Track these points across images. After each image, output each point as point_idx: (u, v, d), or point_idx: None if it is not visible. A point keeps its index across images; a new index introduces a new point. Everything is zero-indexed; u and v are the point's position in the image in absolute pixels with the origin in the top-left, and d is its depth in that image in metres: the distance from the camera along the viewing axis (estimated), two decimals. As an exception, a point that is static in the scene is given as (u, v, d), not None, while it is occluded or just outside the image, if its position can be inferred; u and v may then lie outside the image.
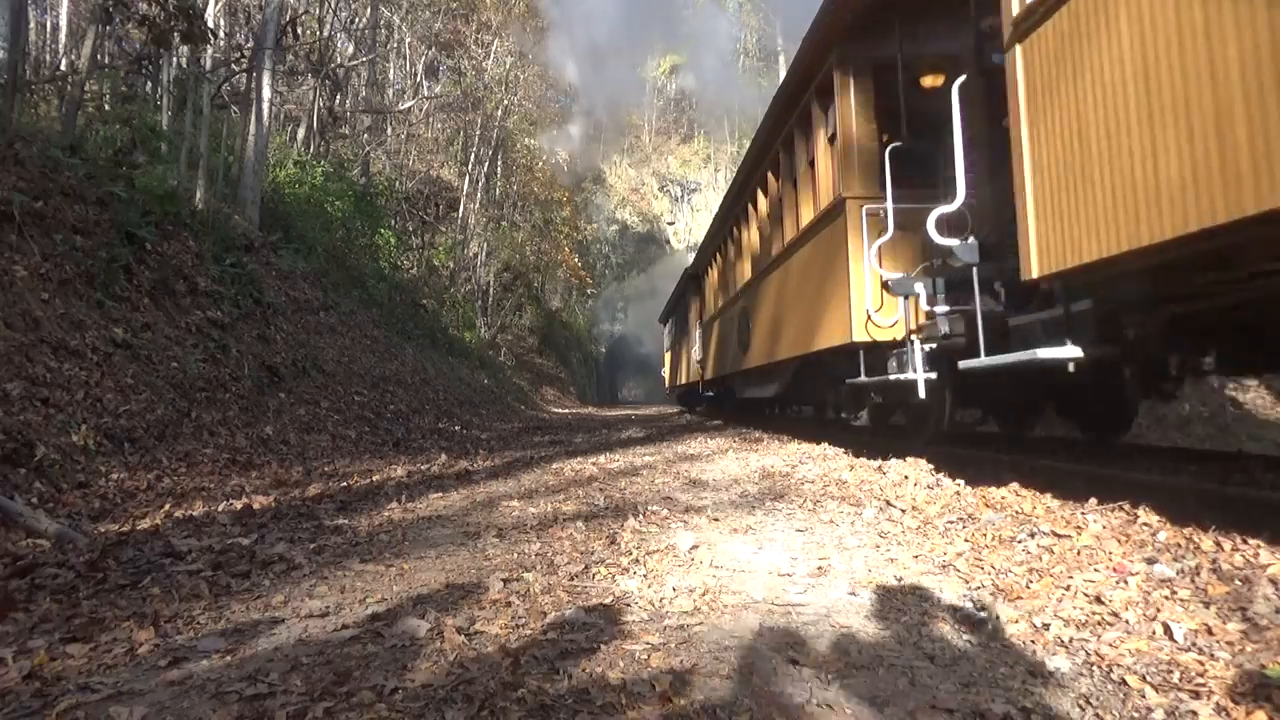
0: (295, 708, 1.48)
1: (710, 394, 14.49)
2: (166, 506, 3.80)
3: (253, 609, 2.22)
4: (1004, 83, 3.46)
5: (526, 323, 30.86)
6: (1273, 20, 2.02)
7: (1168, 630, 1.78)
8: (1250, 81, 2.10)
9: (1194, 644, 1.70)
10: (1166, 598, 1.99)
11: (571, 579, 2.44)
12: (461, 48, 24.71)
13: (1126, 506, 2.99)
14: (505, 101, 25.64)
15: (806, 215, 6.55)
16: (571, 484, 4.87)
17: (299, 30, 14.75)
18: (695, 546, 2.86)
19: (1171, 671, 1.57)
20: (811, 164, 6.38)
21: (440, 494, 4.53)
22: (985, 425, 7.64)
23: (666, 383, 23.00)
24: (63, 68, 11.66)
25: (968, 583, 2.28)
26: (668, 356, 22.42)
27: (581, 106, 45.34)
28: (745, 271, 9.62)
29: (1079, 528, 2.74)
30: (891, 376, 4.88)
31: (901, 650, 1.76)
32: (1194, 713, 1.40)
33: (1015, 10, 3.32)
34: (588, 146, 44.11)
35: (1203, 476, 3.48)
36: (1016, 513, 3.13)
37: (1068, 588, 2.12)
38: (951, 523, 3.07)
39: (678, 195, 45.04)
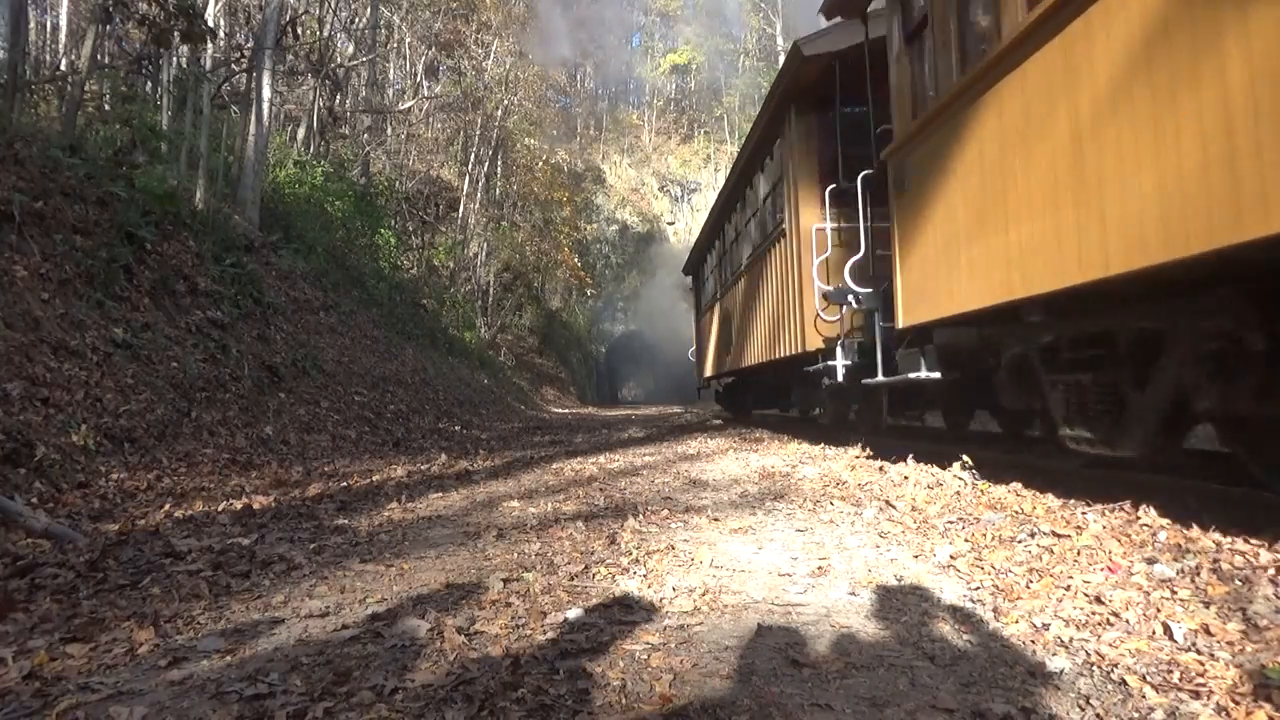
0: (295, 708, 1.48)
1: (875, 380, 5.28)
2: (166, 506, 3.80)
3: (253, 609, 2.22)
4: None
5: (526, 323, 30.85)
6: None
7: (1168, 630, 1.78)
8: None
9: (1194, 644, 1.70)
10: (1166, 598, 1.99)
11: (571, 579, 2.44)
12: (461, 48, 24.70)
13: (1126, 506, 2.99)
14: (505, 101, 25.63)
15: None
16: (571, 484, 4.87)
17: (299, 30, 14.75)
18: (695, 546, 2.86)
19: (1171, 671, 1.57)
20: None
21: (440, 494, 4.53)
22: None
23: (698, 372, 14.83)
24: (63, 68, 11.66)
25: (968, 583, 2.28)
26: (710, 324, 12.88)
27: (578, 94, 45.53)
28: None
29: (1079, 528, 2.74)
30: None
31: (901, 650, 1.76)
32: (1194, 713, 1.40)
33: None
34: (586, 144, 44.23)
35: (1203, 476, 3.48)
36: (1016, 513, 3.13)
37: (1068, 588, 2.12)
38: (951, 523, 3.07)
39: (678, 195, 45.04)
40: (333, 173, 16.02)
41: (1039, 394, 3.69)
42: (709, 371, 13.39)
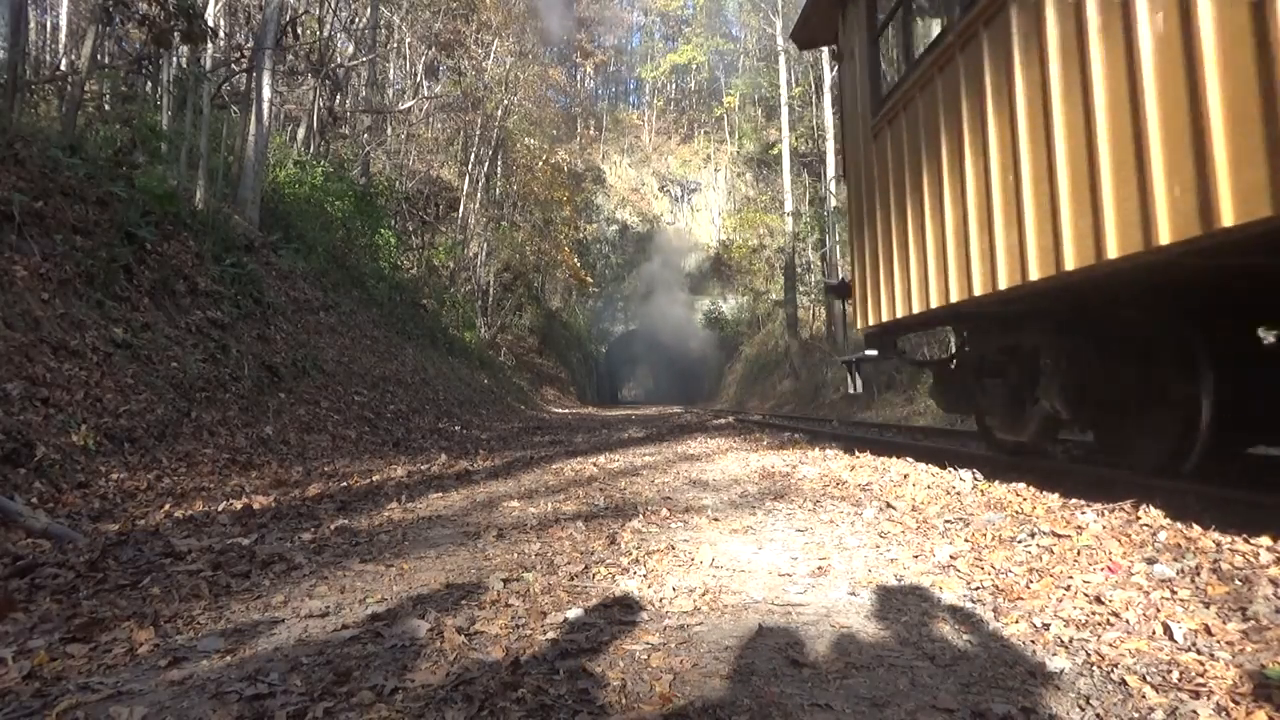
0: (295, 708, 1.48)
1: None
2: (166, 506, 3.80)
3: (253, 609, 2.22)
4: None
5: (526, 323, 30.84)
6: None
7: (1168, 630, 1.78)
8: None
9: (1194, 644, 1.70)
10: (1166, 598, 1.99)
11: (571, 579, 2.44)
12: (461, 48, 24.70)
13: (1126, 506, 2.99)
14: (505, 101, 25.63)
15: None
16: (571, 484, 4.87)
17: (299, 30, 14.75)
18: (695, 546, 2.86)
19: (1171, 671, 1.57)
20: None
21: (440, 494, 4.53)
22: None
23: (860, 312, 5.45)
24: (63, 68, 11.67)
25: (968, 583, 2.28)
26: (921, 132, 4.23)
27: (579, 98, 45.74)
28: None
29: (1079, 528, 2.74)
30: None
31: (902, 650, 1.76)
32: (1194, 713, 1.40)
33: None
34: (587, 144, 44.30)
35: (1203, 477, 3.48)
36: (1016, 513, 3.13)
37: (1068, 588, 2.12)
38: (951, 523, 3.07)
39: (678, 195, 45.04)
40: (333, 173, 16.01)
41: None
42: (908, 306, 4.69)
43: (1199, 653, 1.65)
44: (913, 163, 4.55)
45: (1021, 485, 3.67)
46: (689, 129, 48.74)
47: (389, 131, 22.43)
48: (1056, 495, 3.39)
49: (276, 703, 1.51)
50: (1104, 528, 2.73)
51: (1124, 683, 1.54)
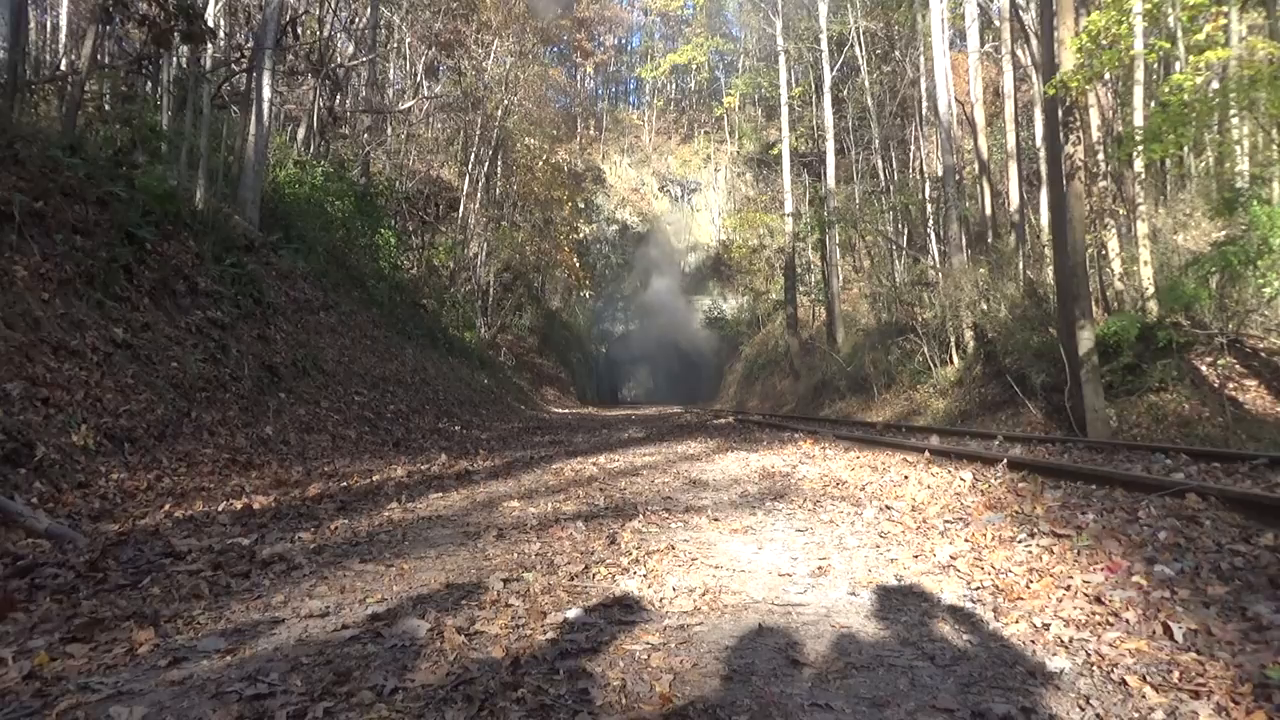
0: (295, 708, 1.48)
1: None
2: (166, 506, 3.80)
3: (253, 609, 2.22)
4: None
5: (526, 323, 30.82)
6: None
7: (1168, 630, 1.78)
8: None
9: (1194, 644, 1.70)
10: (1166, 598, 1.99)
11: (571, 579, 2.44)
12: (461, 48, 24.68)
13: (1126, 506, 2.99)
14: (505, 101, 25.63)
15: None
16: (571, 484, 4.86)
17: (299, 30, 14.74)
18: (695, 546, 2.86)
19: (1171, 671, 1.57)
20: None
21: (440, 494, 4.53)
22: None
23: None
24: (63, 68, 11.67)
25: (968, 583, 2.28)
26: None
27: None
28: None
29: (1079, 528, 2.74)
30: None
31: (902, 650, 1.76)
32: (1194, 713, 1.40)
33: None
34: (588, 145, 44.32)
35: (1203, 476, 3.48)
36: (1016, 513, 3.13)
37: (1068, 588, 2.12)
38: (951, 523, 3.07)
39: (678, 195, 45.00)
40: (333, 173, 16.00)
41: None
42: None
43: (1199, 653, 1.65)
44: None
45: (1022, 485, 3.67)
46: (689, 129, 48.67)
47: (389, 131, 22.40)
48: (1057, 495, 3.39)
49: (276, 703, 1.51)
50: (1104, 528, 2.73)
51: (1124, 683, 1.54)
